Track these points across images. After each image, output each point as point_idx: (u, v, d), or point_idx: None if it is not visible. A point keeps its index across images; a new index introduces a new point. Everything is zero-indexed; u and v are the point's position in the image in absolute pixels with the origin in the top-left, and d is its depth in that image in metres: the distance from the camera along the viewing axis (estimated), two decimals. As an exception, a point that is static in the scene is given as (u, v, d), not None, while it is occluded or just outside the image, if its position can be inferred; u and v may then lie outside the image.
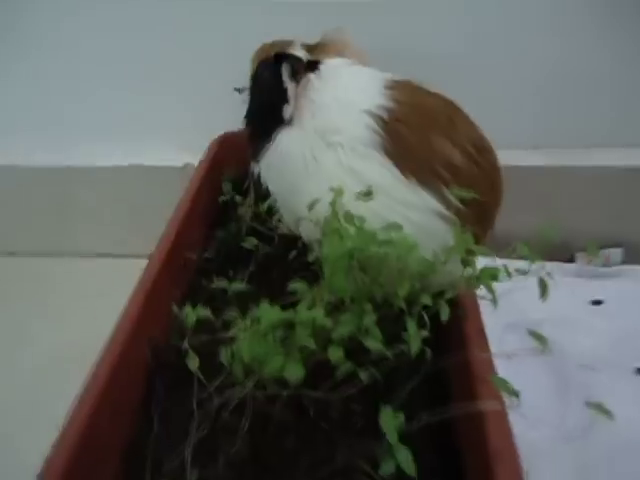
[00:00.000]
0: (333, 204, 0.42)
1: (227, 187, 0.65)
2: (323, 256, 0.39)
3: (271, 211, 0.62)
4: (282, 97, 0.52)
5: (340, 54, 0.53)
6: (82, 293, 0.86)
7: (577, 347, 0.65)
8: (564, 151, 0.79)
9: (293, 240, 0.59)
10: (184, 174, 0.85)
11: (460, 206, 0.44)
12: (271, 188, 0.56)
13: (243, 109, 0.60)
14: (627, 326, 0.67)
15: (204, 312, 0.42)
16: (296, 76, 0.52)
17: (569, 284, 0.74)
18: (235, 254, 0.62)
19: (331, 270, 0.38)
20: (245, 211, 0.65)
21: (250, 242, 0.60)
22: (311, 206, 0.45)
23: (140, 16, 0.79)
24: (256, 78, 0.57)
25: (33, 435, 0.47)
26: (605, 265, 0.79)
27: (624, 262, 0.79)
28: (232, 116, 0.78)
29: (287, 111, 0.52)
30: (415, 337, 0.34)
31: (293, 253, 0.57)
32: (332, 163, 0.48)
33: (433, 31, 0.75)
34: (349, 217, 0.41)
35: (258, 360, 0.37)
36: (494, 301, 0.38)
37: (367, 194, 0.43)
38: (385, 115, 0.46)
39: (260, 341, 0.37)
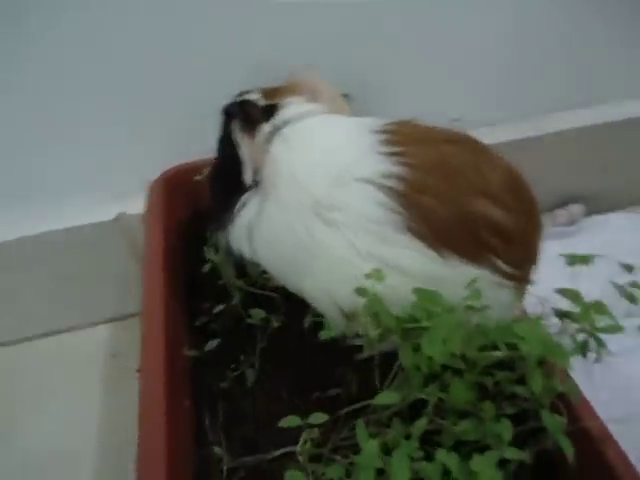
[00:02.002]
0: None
1: (209, 251, 0.54)
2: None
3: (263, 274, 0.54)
4: (237, 158, 0.43)
5: (310, 98, 0.44)
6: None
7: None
8: (523, 122, 0.79)
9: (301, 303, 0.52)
10: (118, 228, 0.71)
11: (514, 270, 0.39)
12: (258, 260, 0.47)
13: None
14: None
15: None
16: (251, 130, 0.43)
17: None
18: (239, 334, 0.53)
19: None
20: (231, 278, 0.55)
21: (257, 316, 0.51)
22: (357, 294, 0.38)
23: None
24: (219, 137, 0.48)
25: None
26: (570, 222, 0.82)
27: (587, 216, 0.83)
28: (168, 147, 0.66)
29: (246, 175, 0.43)
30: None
31: (307, 320, 0.50)
32: (341, 246, 0.39)
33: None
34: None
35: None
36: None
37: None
38: (398, 186, 0.38)
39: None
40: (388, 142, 0.40)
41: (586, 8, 0.71)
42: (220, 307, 0.53)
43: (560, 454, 0.32)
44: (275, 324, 0.51)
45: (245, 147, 0.43)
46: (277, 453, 0.44)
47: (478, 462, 0.31)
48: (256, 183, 0.43)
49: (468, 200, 0.38)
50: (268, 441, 0.45)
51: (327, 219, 0.40)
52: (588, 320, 0.34)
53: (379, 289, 0.38)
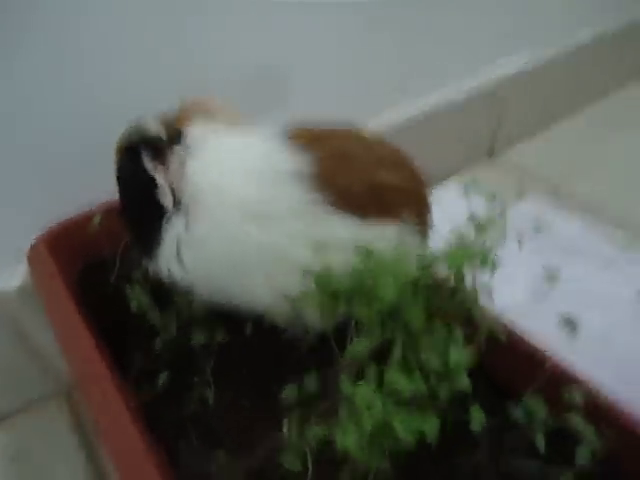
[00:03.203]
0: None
1: (134, 291, 0.53)
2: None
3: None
4: (153, 187, 0.46)
5: (208, 119, 0.48)
6: None
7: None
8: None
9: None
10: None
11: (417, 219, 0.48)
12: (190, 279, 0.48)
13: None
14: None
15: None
16: (160, 158, 0.46)
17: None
18: (184, 361, 0.52)
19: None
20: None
21: (198, 338, 0.51)
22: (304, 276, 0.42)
23: None
24: (119, 171, 0.49)
25: None
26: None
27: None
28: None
29: (166, 200, 0.46)
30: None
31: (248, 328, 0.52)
32: (278, 238, 0.44)
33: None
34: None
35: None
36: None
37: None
38: (313, 172, 0.44)
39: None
40: (292, 141, 0.46)
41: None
42: (156, 342, 0.52)
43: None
44: (218, 340, 0.52)
45: (160, 175, 0.45)
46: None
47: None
48: (177, 205, 0.45)
49: (371, 174, 0.46)
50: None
51: (258, 216, 0.44)
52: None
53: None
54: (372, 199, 0.46)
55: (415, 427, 0.33)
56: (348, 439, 0.34)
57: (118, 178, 0.50)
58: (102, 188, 0.58)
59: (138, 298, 0.53)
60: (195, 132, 0.46)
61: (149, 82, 0.66)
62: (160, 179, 0.45)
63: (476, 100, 1.06)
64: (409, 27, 0.91)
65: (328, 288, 0.43)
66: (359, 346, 0.39)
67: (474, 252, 0.41)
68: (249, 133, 0.47)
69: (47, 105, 0.60)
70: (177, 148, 0.45)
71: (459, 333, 0.39)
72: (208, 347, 0.52)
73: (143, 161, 0.45)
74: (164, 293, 0.57)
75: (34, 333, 0.68)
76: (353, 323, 0.43)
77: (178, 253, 0.46)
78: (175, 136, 0.46)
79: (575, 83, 1.29)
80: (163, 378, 0.49)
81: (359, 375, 0.42)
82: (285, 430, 0.44)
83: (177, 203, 0.45)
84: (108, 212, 0.64)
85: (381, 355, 0.42)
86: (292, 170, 0.44)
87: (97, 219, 0.56)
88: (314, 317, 0.48)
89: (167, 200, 0.45)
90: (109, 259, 0.63)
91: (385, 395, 0.36)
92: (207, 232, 0.45)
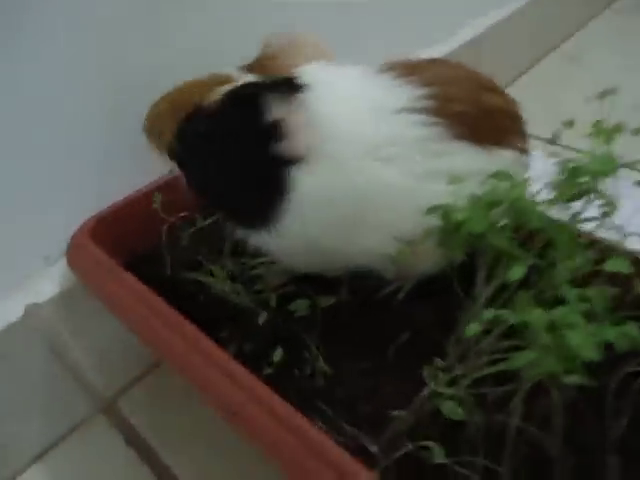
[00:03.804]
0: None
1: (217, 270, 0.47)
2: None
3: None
4: (271, 137, 0.40)
5: (304, 59, 0.43)
6: None
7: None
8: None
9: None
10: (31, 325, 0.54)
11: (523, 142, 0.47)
12: (310, 242, 0.44)
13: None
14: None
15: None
16: (283, 104, 0.39)
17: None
18: (288, 334, 0.48)
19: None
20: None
21: (301, 307, 0.47)
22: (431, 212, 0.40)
23: None
24: (203, 136, 0.42)
25: None
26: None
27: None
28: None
29: (293, 148, 0.40)
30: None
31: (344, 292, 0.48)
32: (400, 178, 0.41)
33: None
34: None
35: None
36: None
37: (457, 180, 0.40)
38: (429, 103, 0.42)
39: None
40: (396, 76, 0.43)
41: None
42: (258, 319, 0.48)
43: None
44: (320, 308, 0.48)
45: (288, 122, 0.39)
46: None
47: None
48: (304, 155, 0.40)
49: (480, 97, 0.44)
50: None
51: (382, 157, 0.41)
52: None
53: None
54: (488, 124, 0.44)
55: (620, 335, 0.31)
56: (548, 361, 0.32)
57: (196, 149, 0.43)
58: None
59: (221, 281, 0.48)
60: (306, 72, 0.41)
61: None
62: (291, 126, 0.39)
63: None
64: None
65: (453, 220, 0.41)
66: (516, 273, 0.37)
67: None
68: (352, 70, 0.44)
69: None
70: (297, 92, 0.39)
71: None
72: (310, 317, 0.48)
73: (263, 110, 0.39)
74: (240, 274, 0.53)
75: (69, 347, 0.60)
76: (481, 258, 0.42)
77: (308, 208, 0.42)
78: (282, 80, 0.40)
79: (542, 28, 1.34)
80: (278, 355, 0.45)
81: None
82: (431, 381, 0.41)
83: (304, 152, 0.40)
84: (146, 198, 0.58)
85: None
86: (410, 105, 0.42)
87: (157, 198, 0.50)
88: (427, 261, 0.47)
89: (296, 148, 0.40)
90: (157, 249, 0.57)
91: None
92: (335, 180, 0.40)
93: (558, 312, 0.33)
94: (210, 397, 0.40)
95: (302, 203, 0.41)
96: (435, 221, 0.41)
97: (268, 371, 0.44)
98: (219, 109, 0.41)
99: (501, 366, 0.38)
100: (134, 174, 0.59)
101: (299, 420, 0.35)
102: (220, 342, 0.47)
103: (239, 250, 0.56)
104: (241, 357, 0.45)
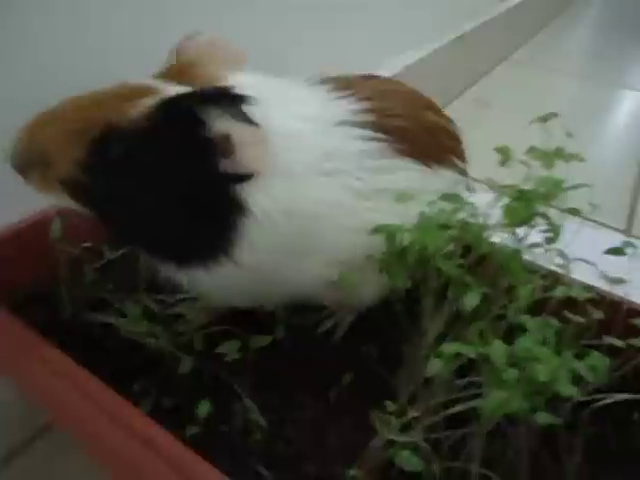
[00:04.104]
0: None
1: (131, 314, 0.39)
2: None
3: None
4: (214, 155, 0.34)
5: (223, 66, 0.38)
6: None
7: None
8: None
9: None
10: None
11: (463, 163, 0.45)
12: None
13: None
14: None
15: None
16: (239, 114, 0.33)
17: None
18: (214, 384, 0.41)
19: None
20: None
21: (232, 348, 0.40)
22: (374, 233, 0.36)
23: None
24: (127, 160, 0.34)
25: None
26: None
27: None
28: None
29: (242, 165, 0.34)
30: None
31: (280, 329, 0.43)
32: (343, 196, 0.38)
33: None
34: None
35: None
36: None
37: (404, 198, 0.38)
38: (370, 117, 0.39)
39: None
40: (331, 89, 0.40)
41: None
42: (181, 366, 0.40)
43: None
44: (252, 349, 0.42)
45: (235, 134, 0.32)
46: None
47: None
48: (242, 176, 0.34)
49: (422, 114, 0.43)
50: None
51: (325, 171, 0.37)
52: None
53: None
54: (429, 142, 0.42)
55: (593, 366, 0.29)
56: (514, 402, 0.29)
57: (133, 163, 0.34)
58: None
59: (135, 322, 0.41)
60: (240, 83, 0.36)
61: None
62: (237, 141, 0.32)
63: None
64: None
65: (399, 243, 0.38)
66: (470, 301, 0.34)
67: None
68: (286, 82, 0.39)
69: None
70: (239, 104, 0.33)
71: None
72: (241, 361, 0.42)
73: (204, 125, 0.33)
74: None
75: None
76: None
77: (260, 232, 0.36)
78: (221, 91, 0.34)
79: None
80: (204, 409, 0.37)
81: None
82: (381, 428, 0.36)
83: (254, 169, 0.34)
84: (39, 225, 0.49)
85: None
86: (349, 118, 0.38)
87: (57, 225, 0.42)
88: (370, 288, 0.43)
89: (248, 165, 0.33)
90: (53, 287, 0.48)
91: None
92: (287, 198, 0.35)
93: (520, 344, 0.30)
94: (118, 469, 0.32)
95: (254, 226, 0.35)
96: (379, 243, 0.38)
97: (193, 430, 0.37)
98: (149, 126, 0.33)
99: (461, 407, 0.34)
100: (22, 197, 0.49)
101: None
102: (132, 397, 0.39)
103: (154, 286, 0.49)
104: (159, 414, 0.38)
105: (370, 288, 0.43)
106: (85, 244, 0.49)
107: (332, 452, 0.39)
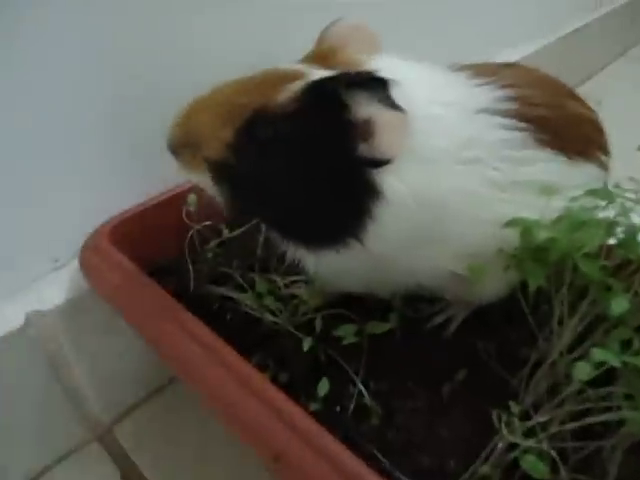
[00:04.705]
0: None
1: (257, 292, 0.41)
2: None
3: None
4: (357, 139, 0.34)
5: (365, 51, 0.39)
6: None
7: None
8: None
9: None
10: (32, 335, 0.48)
11: (606, 157, 0.43)
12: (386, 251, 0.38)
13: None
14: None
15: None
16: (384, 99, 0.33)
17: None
18: (332, 364, 0.42)
19: None
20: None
21: (348, 332, 0.41)
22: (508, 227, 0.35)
23: None
24: (274, 142, 0.35)
25: None
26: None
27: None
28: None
29: (382, 150, 0.33)
30: None
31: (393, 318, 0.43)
32: (479, 185, 0.37)
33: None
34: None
35: None
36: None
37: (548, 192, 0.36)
38: (512, 106, 0.38)
39: None
40: (473, 75, 0.39)
41: None
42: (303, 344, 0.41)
43: None
44: (372, 332, 0.42)
45: (377, 118, 0.32)
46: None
47: None
48: (382, 161, 0.34)
49: (565, 103, 0.40)
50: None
51: (463, 159, 0.36)
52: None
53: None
54: (573, 133, 0.40)
55: None
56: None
57: (280, 145, 0.35)
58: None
59: (255, 298, 0.42)
60: (383, 67, 0.35)
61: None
62: (379, 125, 0.32)
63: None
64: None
65: (535, 239, 0.36)
66: (618, 307, 0.32)
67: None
68: (428, 67, 0.39)
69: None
70: (383, 89, 0.33)
71: None
72: (356, 345, 0.42)
73: (349, 108, 0.33)
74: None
75: (70, 364, 0.53)
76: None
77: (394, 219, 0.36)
78: (365, 75, 0.34)
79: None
80: (324, 388, 0.38)
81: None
82: (504, 429, 0.35)
83: (393, 155, 0.34)
84: (166, 205, 0.53)
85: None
86: (491, 106, 0.37)
87: (192, 200, 0.44)
88: (496, 284, 0.41)
89: (388, 150, 0.33)
90: (179, 259, 0.51)
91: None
92: (424, 186, 0.35)
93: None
94: (246, 434, 0.33)
95: (386, 211, 0.35)
96: (511, 237, 0.37)
97: (315, 406, 0.38)
98: (296, 109, 0.34)
99: (596, 418, 0.32)
100: (156, 176, 0.53)
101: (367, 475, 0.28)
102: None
103: (270, 266, 0.50)
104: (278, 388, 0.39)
105: (495, 284, 0.41)
106: (206, 222, 0.53)
107: (444, 446, 0.38)
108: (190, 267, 0.50)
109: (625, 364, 0.31)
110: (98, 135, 0.49)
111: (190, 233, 0.51)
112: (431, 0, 0.85)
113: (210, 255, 0.52)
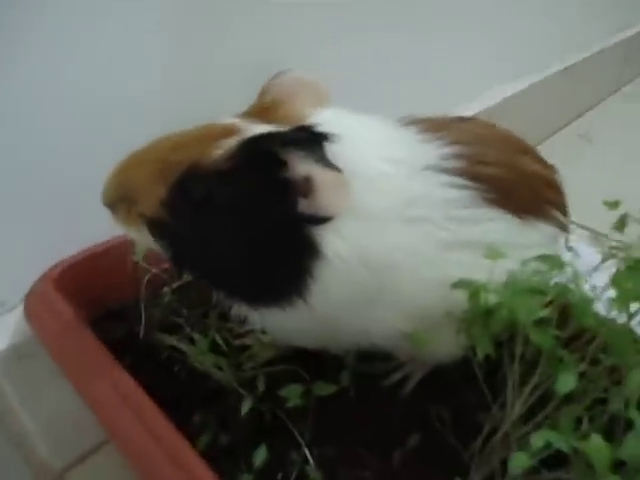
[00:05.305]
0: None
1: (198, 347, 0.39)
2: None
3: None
4: (295, 197, 0.33)
5: (309, 104, 0.37)
6: None
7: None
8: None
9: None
10: None
11: (565, 218, 0.41)
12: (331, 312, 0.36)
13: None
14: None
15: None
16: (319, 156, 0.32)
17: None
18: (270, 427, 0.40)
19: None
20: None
21: (294, 393, 0.39)
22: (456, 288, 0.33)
23: None
24: (208, 200, 0.34)
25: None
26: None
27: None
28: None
29: (322, 208, 0.32)
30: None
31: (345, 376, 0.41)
32: (424, 244, 0.35)
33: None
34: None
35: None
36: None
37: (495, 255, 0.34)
38: (460, 164, 0.36)
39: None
40: (421, 130, 0.38)
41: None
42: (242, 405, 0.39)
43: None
44: (319, 393, 0.40)
45: (317, 175, 0.31)
46: None
47: None
48: (322, 219, 0.33)
49: (516, 161, 0.39)
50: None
51: (407, 218, 0.34)
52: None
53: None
54: (525, 192, 0.38)
55: None
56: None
57: (214, 203, 0.34)
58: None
59: (203, 352, 0.40)
60: (325, 121, 0.34)
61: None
62: (319, 183, 0.31)
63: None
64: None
65: (484, 303, 0.34)
66: (565, 384, 0.30)
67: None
68: (374, 121, 0.38)
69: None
70: (322, 145, 0.32)
71: None
72: (302, 407, 0.40)
73: (286, 166, 0.32)
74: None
75: (14, 411, 0.51)
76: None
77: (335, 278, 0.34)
78: (304, 131, 0.33)
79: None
80: (261, 456, 0.36)
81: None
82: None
83: (333, 213, 0.33)
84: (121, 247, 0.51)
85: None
86: (438, 163, 0.36)
87: (141, 249, 0.43)
88: (447, 347, 0.39)
89: (328, 208, 0.32)
90: (128, 306, 0.50)
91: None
92: (365, 244, 0.34)
93: (629, 447, 0.26)
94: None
95: (327, 270, 0.34)
96: (461, 299, 0.35)
97: (245, 477, 0.35)
98: (230, 167, 0.33)
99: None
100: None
101: None
102: (192, 429, 0.39)
103: (225, 313, 0.49)
104: (214, 452, 0.37)
105: (447, 347, 0.39)
106: (165, 265, 0.51)
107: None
108: (142, 313, 0.48)
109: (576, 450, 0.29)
110: (44, 180, 0.48)
111: (146, 277, 0.50)
112: (416, 42, 0.85)
113: (166, 299, 0.51)
